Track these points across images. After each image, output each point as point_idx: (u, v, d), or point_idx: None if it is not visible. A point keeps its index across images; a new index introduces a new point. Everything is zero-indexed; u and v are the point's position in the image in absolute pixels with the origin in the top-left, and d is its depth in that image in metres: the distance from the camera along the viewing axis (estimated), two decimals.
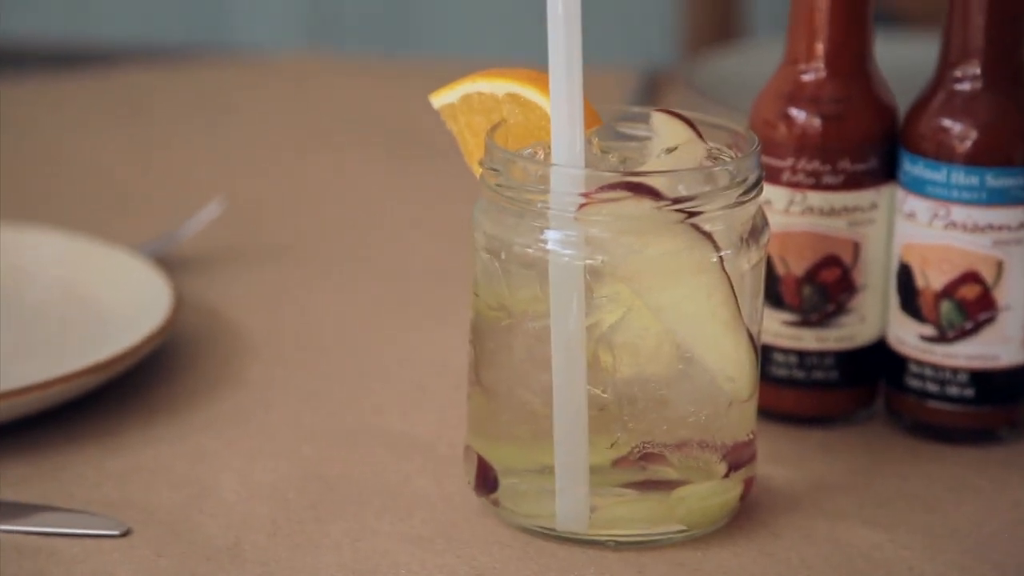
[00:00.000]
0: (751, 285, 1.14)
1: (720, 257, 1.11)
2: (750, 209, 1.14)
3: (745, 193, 1.12)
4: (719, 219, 1.11)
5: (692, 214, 1.10)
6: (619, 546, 1.12)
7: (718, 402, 1.14)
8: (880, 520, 1.18)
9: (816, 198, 1.29)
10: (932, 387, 1.29)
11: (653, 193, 1.09)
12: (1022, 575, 1.11)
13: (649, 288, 1.11)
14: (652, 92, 2.04)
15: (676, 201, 1.09)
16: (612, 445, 1.12)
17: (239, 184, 1.81)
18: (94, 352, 1.28)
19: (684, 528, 1.13)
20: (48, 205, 1.71)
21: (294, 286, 1.55)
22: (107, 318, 1.37)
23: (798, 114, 1.29)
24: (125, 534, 1.10)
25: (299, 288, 1.55)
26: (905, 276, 1.29)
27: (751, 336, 1.14)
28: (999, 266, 1.26)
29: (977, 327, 1.28)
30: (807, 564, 1.12)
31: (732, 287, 1.12)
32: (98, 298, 1.40)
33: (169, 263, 1.55)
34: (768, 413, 1.33)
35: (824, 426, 1.32)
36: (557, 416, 1.11)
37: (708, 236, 1.11)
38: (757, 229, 1.14)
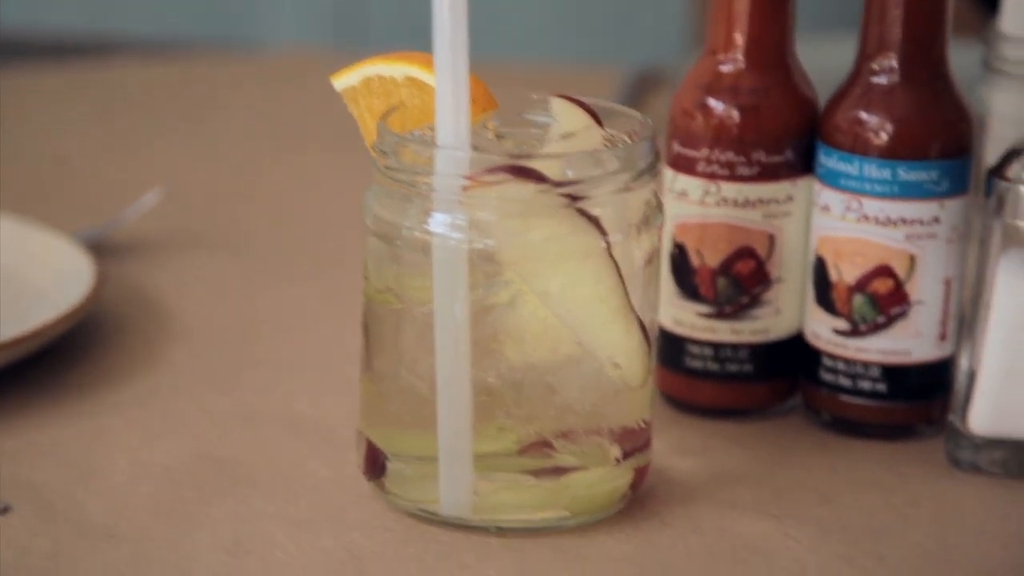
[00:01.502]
0: (643, 273, 1.14)
1: (608, 243, 1.10)
2: (642, 195, 1.13)
3: (635, 179, 1.12)
4: (608, 204, 1.11)
5: (577, 198, 1.09)
6: (502, 532, 1.12)
7: (607, 389, 1.13)
8: (773, 511, 1.17)
9: (731, 189, 1.28)
10: (845, 381, 1.28)
11: (536, 176, 1.09)
12: (905, 567, 1.10)
13: (535, 273, 1.11)
14: (642, 90, 2.03)
15: (560, 184, 1.09)
16: (499, 431, 1.12)
17: (194, 175, 1.82)
18: (9, 331, 1.29)
19: (570, 515, 1.13)
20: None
21: (231, 276, 1.56)
22: (28, 297, 1.38)
23: (715, 104, 1.29)
24: (4, 511, 1.11)
25: (235, 278, 1.56)
26: (820, 269, 1.29)
27: (642, 324, 1.13)
28: (911, 260, 1.25)
29: (889, 321, 1.27)
30: (690, 552, 1.11)
31: (620, 274, 1.11)
32: (21, 278, 1.41)
33: (109, 249, 1.56)
34: (683, 405, 1.33)
35: (739, 419, 1.31)
36: (441, 401, 1.11)
37: (595, 221, 1.10)
38: (650, 216, 1.14)
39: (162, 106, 2.07)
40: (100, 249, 1.54)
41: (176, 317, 1.44)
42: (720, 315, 1.30)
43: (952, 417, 1.24)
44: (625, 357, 1.13)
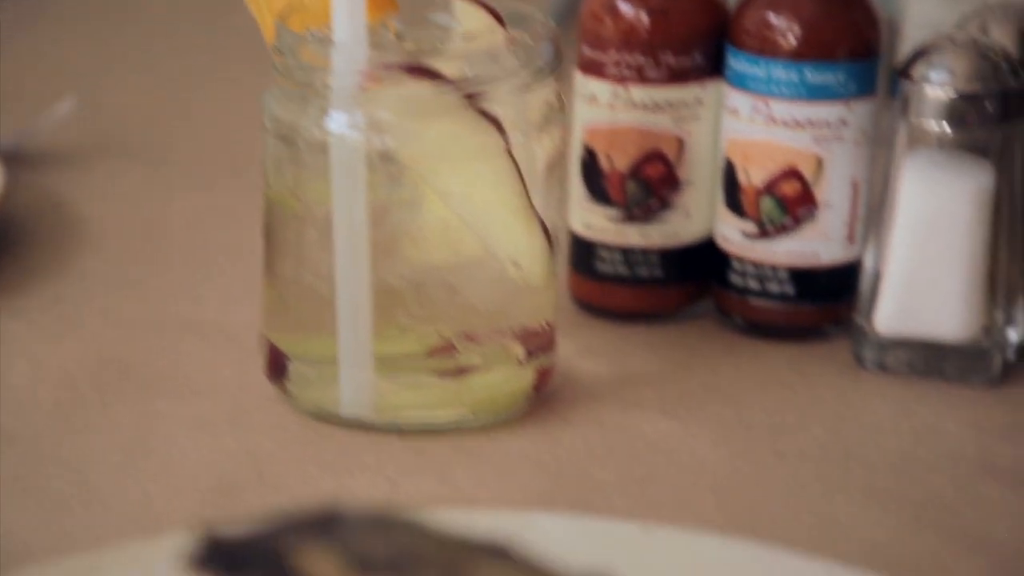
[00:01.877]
0: (546, 174, 1.13)
1: (508, 143, 1.10)
2: (542, 95, 1.13)
3: (534, 78, 1.11)
4: (507, 104, 1.11)
5: (475, 96, 1.09)
6: (404, 432, 1.12)
7: (509, 290, 1.13)
8: (677, 411, 1.17)
9: (639, 93, 1.28)
10: (754, 284, 1.29)
11: (432, 75, 1.08)
12: (803, 463, 1.10)
13: (435, 173, 1.10)
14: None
15: (457, 83, 1.08)
16: (402, 332, 1.12)
17: (110, 84, 1.81)
18: None
19: (472, 414, 1.13)
20: None
21: (145, 184, 1.55)
22: None
23: (625, 7, 1.28)
24: None
25: (150, 186, 1.55)
26: (729, 172, 1.28)
27: (544, 225, 1.13)
28: (819, 163, 1.25)
29: (797, 224, 1.27)
30: (590, 450, 1.12)
31: (521, 174, 1.11)
32: None
33: (25, 158, 1.55)
34: (594, 310, 1.33)
35: (650, 323, 1.31)
36: (341, 302, 1.11)
37: (494, 121, 1.10)
38: (551, 117, 1.13)
39: (78, 14, 2.04)
40: (14, 158, 1.53)
41: (87, 225, 1.43)
42: (630, 219, 1.30)
43: (858, 318, 1.24)
44: (526, 257, 1.13)
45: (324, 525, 0.71)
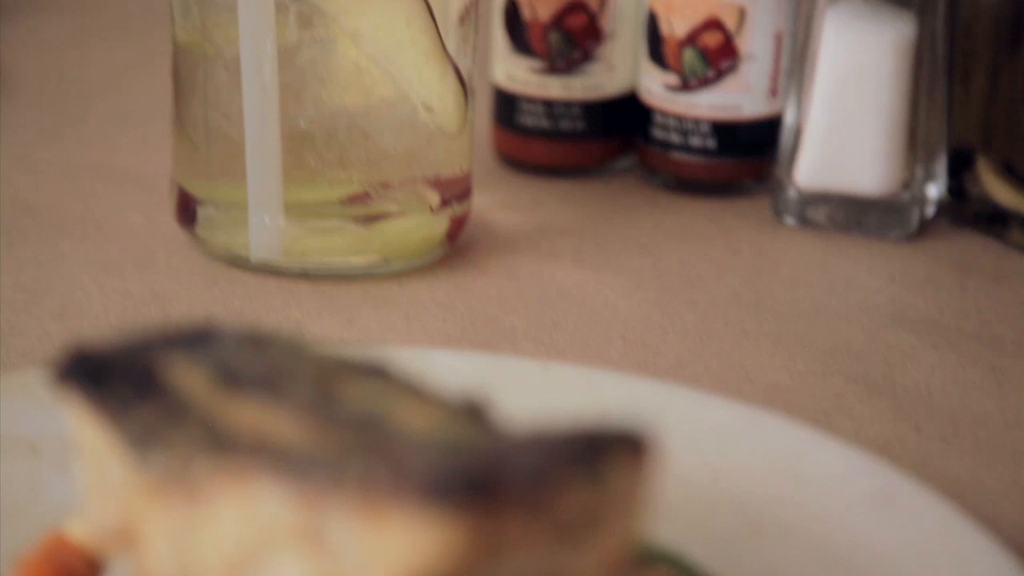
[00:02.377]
0: (458, 16, 1.11)
1: None
2: None
3: None
4: None
5: None
6: (313, 277, 1.11)
7: (421, 134, 1.11)
8: (592, 261, 1.16)
9: None
10: (676, 138, 1.27)
11: None
12: (715, 311, 1.10)
13: (346, 12, 1.08)
14: None
15: None
16: (312, 176, 1.10)
17: None
18: None
19: (383, 260, 1.11)
20: None
21: (66, 35, 1.52)
22: None
23: None
24: None
25: (70, 37, 1.52)
26: (651, 23, 1.27)
27: (458, 70, 1.11)
28: (741, 13, 1.24)
29: (719, 76, 1.25)
30: (502, 298, 1.11)
31: (433, 15, 1.09)
32: None
33: None
34: (517, 163, 1.32)
35: (572, 177, 1.30)
36: (249, 144, 1.09)
37: None
38: None
39: None
40: None
41: (4, 74, 1.41)
42: (552, 70, 1.28)
43: (778, 172, 1.23)
44: (439, 101, 1.11)
45: (196, 341, 0.70)
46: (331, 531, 0.59)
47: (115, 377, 0.66)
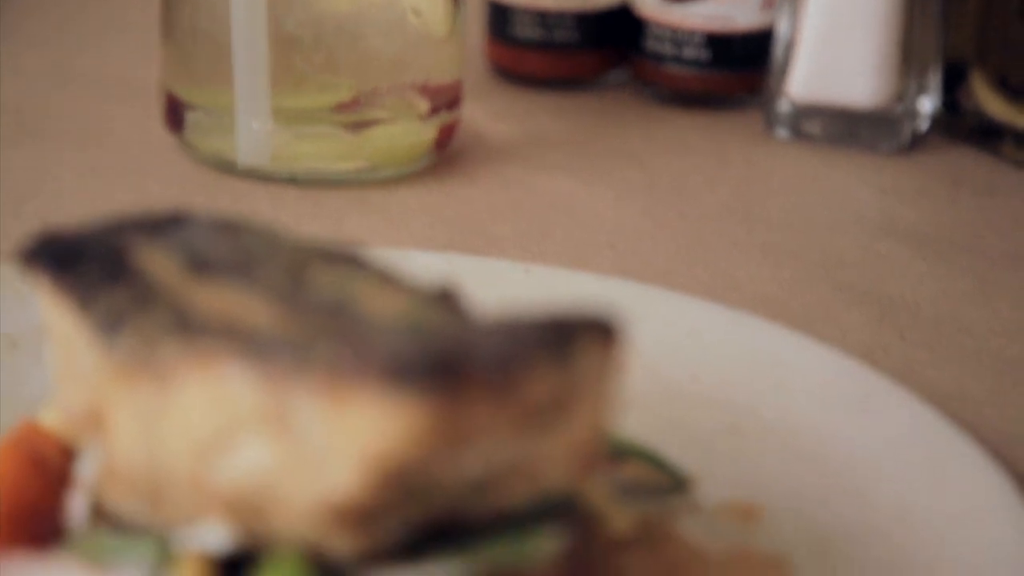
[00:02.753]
0: None
1: None
2: None
3: None
4: None
5: None
6: (301, 182, 1.10)
7: (410, 39, 1.11)
8: (584, 173, 1.15)
9: None
10: (670, 49, 1.26)
11: None
12: (705, 222, 1.09)
13: None
14: None
15: None
16: (300, 81, 1.09)
17: None
18: None
19: (371, 166, 1.11)
20: None
21: None
22: None
23: None
24: None
25: None
26: None
27: None
28: None
29: None
30: (491, 206, 1.10)
31: None
32: None
33: None
34: (511, 76, 1.31)
35: (567, 90, 1.29)
36: (237, 47, 1.08)
37: None
38: None
39: None
40: None
41: None
42: None
43: (771, 83, 1.22)
44: (427, 4, 1.10)
45: (167, 228, 0.69)
46: (296, 414, 0.59)
47: (84, 260, 0.66)
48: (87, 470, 0.68)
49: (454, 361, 0.57)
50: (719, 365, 0.83)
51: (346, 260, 0.69)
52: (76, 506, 0.68)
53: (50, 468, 0.69)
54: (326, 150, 1.10)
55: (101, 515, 0.67)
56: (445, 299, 0.66)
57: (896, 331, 0.95)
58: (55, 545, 0.66)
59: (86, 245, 0.67)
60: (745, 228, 1.08)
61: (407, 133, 1.12)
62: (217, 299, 0.64)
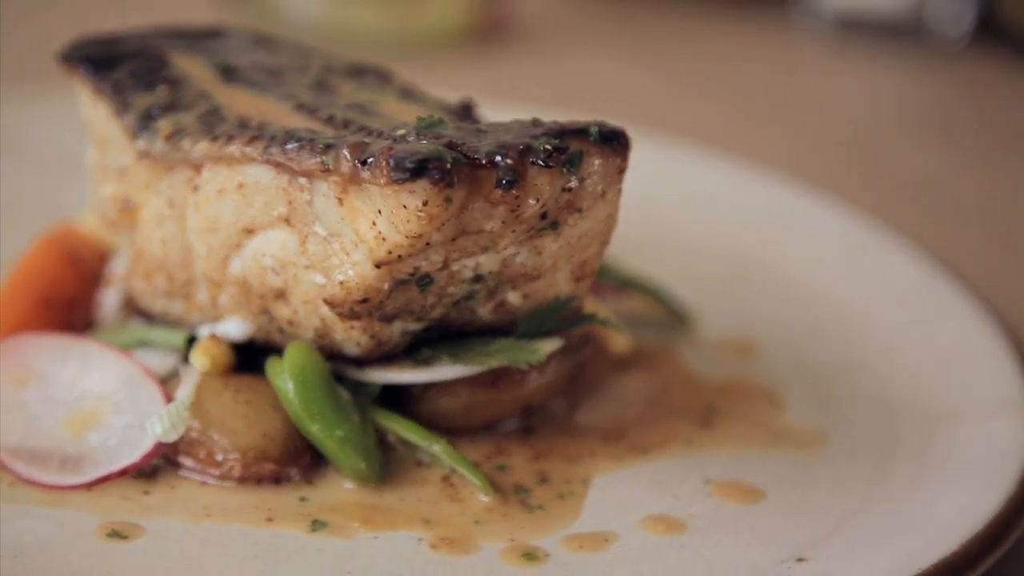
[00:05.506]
0: None
1: None
2: None
3: None
4: None
5: None
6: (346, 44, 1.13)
7: None
8: (631, 54, 1.18)
9: None
10: None
11: None
12: (738, 101, 1.11)
13: None
14: None
15: None
16: None
17: None
18: None
19: (420, 34, 1.14)
20: None
21: None
22: None
23: None
24: None
25: None
26: None
27: None
28: None
29: None
30: (533, 73, 1.13)
31: None
32: None
33: None
34: None
35: None
36: None
37: None
38: None
39: None
40: None
41: None
42: None
43: None
44: None
45: (206, 38, 0.73)
46: (312, 206, 0.62)
47: (124, 62, 0.69)
48: (120, 268, 0.72)
49: (461, 157, 0.60)
50: (724, 214, 0.86)
51: (373, 75, 0.72)
52: (108, 300, 0.71)
53: (85, 266, 0.72)
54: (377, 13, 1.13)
55: (130, 310, 0.71)
56: (463, 111, 0.69)
57: (906, 203, 0.98)
58: (88, 333, 0.70)
59: (125, 49, 0.70)
60: (776, 110, 1.11)
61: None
62: (246, 102, 0.67)
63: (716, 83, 1.13)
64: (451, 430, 0.67)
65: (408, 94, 0.71)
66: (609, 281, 0.76)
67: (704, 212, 0.87)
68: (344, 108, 0.67)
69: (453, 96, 0.79)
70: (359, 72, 0.72)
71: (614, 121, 0.99)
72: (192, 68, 0.70)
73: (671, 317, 0.77)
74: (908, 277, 0.80)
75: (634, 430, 0.69)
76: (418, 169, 0.59)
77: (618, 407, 0.71)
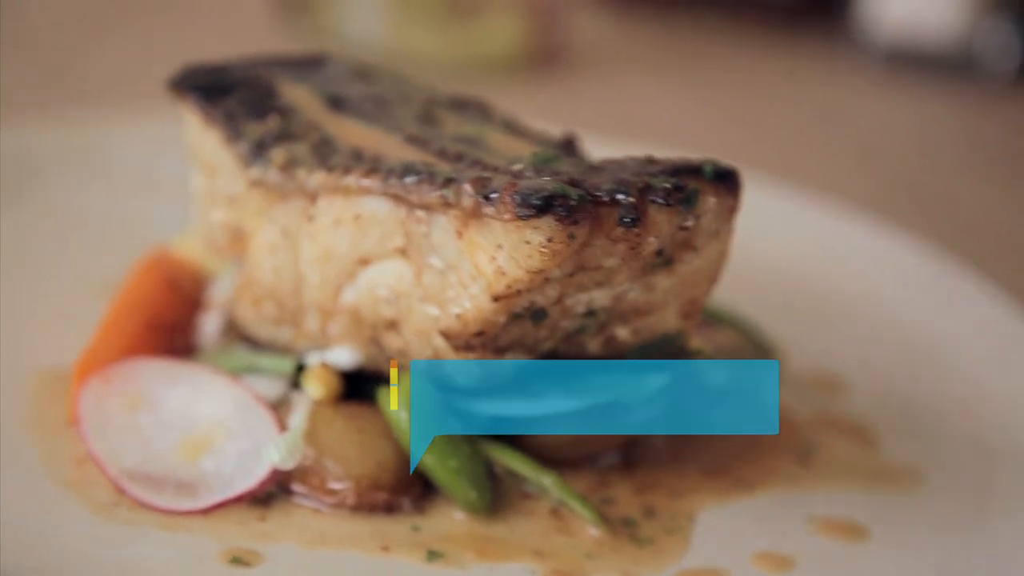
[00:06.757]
0: None
1: None
2: None
3: None
4: None
5: None
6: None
7: None
8: (681, 84, 1.19)
9: None
10: None
11: None
12: (789, 128, 1.12)
13: None
14: None
15: None
16: None
17: None
18: None
19: (475, 57, 1.14)
20: None
21: None
22: None
23: None
24: None
25: None
26: None
27: None
28: None
29: None
30: (583, 97, 1.13)
31: None
32: None
33: None
34: None
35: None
36: None
37: None
38: None
39: None
40: None
41: None
42: None
43: (863, 18, 1.25)
44: None
45: (309, 67, 0.73)
46: (430, 239, 0.63)
47: (234, 92, 0.70)
48: (221, 292, 0.72)
49: (585, 195, 0.61)
50: (807, 248, 0.87)
51: (474, 107, 0.73)
52: (209, 324, 0.72)
53: (183, 291, 0.73)
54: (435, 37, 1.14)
55: (232, 336, 0.71)
56: (566, 144, 0.70)
57: (978, 240, 0.98)
58: (191, 358, 0.70)
59: (233, 77, 0.71)
60: (828, 138, 1.11)
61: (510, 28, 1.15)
62: (357, 133, 0.68)
63: (765, 114, 1.14)
64: (553, 461, 0.67)
65: (511, 127, 0.71)
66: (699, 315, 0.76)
67: (785, 245, 0.88)
68: (453, 141, 0.67)
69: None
70: (461, 105, 0.73)
71: (668, 150, 1.00)
72: (300, 97, 0.70)
73: (759, 351, 0.78)
74: (994, 315, 0.81)
75: (734, 465, 0.70)
76: (544, 206, 0.60)
77: (716, 441, 0.71)
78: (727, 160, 0.98)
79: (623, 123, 1.10)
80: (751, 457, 0.70)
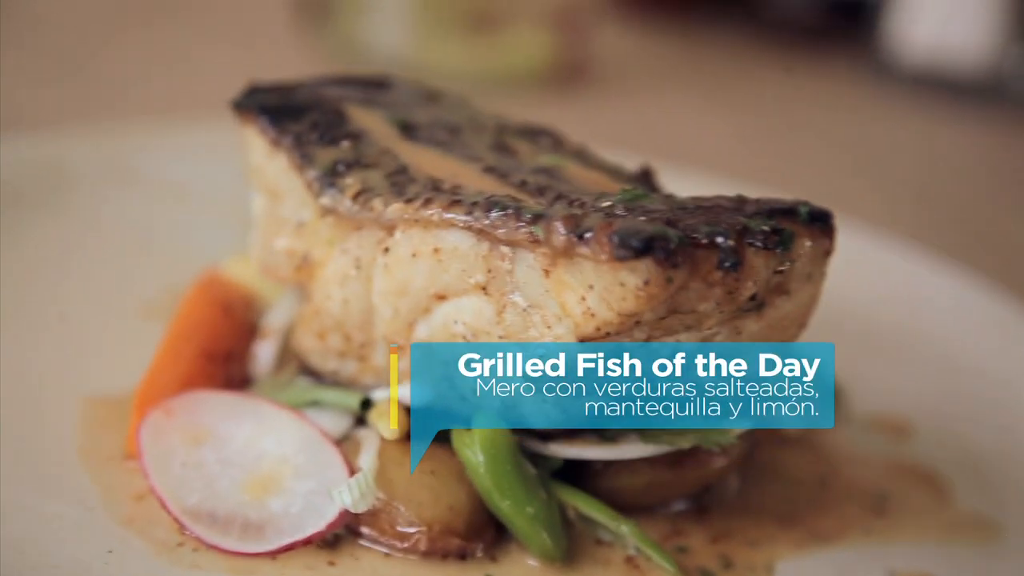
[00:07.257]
0: None
1: None
2: None
3: None
4: None
5: None
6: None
7: None
8: (706, 104, 1.17)
9: None
10: None
11: None
12: (816, 151, 1.11)
13: None
14: None
15: None
16: None
17: None
18: None
19: (499, 72, 1.12)
20: None
21: None
22: None
23: None
24: None
25: None
26: None
27: None
28: None
29: None
30: (609, 115, 1.11)
31: None
32: None
33: None
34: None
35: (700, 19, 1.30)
36: None
37: None
38: None
39: None
40: None
41: None
42: None
43: (888, 39, 1.23)
44: None
45: (376, 89, 0.71)
46: (514, 276, 0.61)
47: (301, 111, 0.67)
48: (278, 320, 0.70)
49: (685, 238, 0.58)
50: (870, 288, 0.85)
51: (545, 136, 0.71)
52: (264, 353, 0.69)
53: (237, 317, 0.70)
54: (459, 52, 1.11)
55: (289, 365, 0.69)
56: (643, 176, 0.68)
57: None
58: (248, 389, 0.68)
59: (300, 99, 0.68)
60: (856, 164, 1.10)
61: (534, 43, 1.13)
62: (432, 162, 0.65)
63: (792, 137, 1.13)
64: (625, 507, 0.65)
65: (584, 157, 0.69)
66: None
67: (848, 286, 0.86)
68: (532, 173, 0.65)
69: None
70: (532, 133, 0.71)
71: (693, 169, 0.98)
72: (371, 123, 0.68)
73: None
74: None
75: (808, 514, 0.68)
76: (644, 248, 0.57)
77: (787, 487, 0.69)
78: (764, 187, 0.96)
79: (648, 139, 1.08)
80: (824, 503, 0.68)
